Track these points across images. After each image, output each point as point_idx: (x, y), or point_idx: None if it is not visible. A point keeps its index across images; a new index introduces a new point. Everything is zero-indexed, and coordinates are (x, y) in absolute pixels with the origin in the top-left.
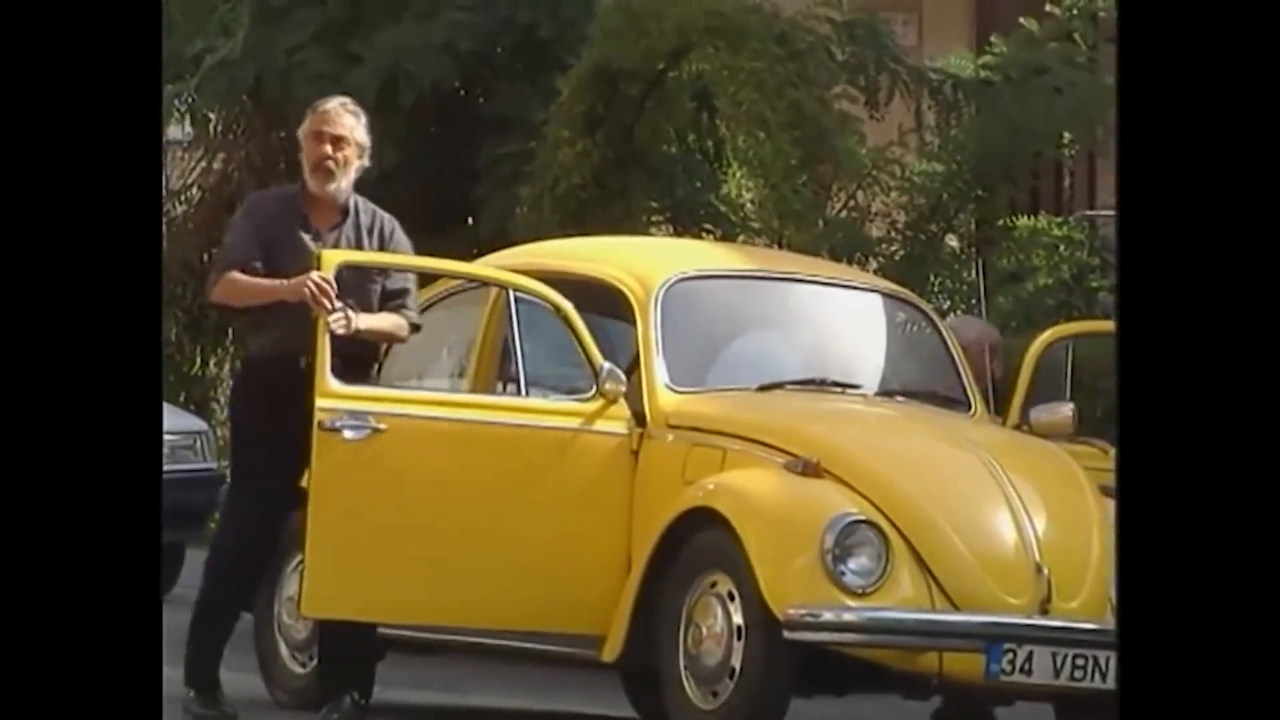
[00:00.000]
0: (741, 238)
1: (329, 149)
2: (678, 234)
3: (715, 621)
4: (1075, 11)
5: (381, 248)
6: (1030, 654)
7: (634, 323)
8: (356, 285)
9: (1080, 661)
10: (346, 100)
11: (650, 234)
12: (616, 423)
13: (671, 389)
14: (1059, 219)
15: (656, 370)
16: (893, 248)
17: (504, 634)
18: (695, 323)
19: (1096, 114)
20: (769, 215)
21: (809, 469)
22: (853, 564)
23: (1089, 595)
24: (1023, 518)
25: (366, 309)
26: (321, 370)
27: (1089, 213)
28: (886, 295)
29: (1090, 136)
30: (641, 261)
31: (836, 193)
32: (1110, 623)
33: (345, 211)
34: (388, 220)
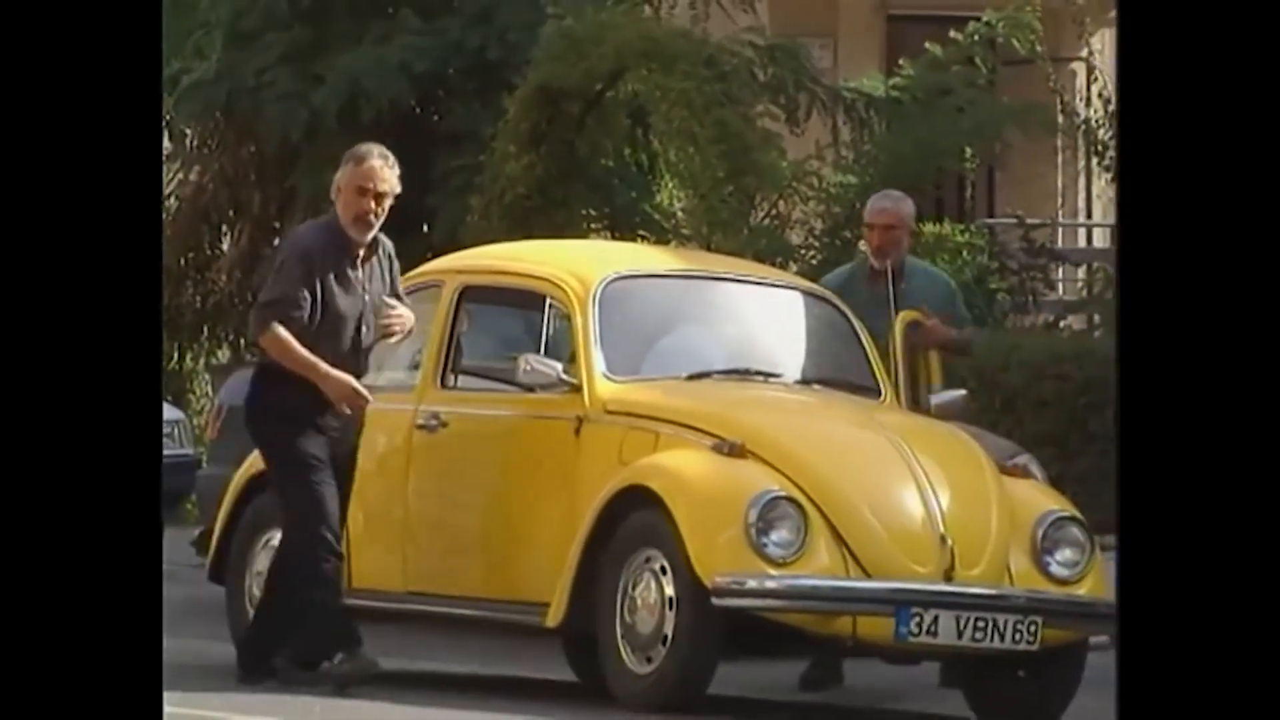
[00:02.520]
0: (673, 243)
1: (372, 204)
2: (615, 240)
3: (649, 592)
4: (976, 38)
5: (390, 269)
6: (936, 617)
7: (574, 318)
8: (380, 306)
9: (981, 624)
10: (386, 153)
11: (590, 239)
12: (561, 409)
13: (609, 378)
14: (961, 226)
15: (595, 361)
16: (810, 253)
17: (456, 602)
18: (630, 317)
19: (994, 131)
20: (698, 223)
21: (734, 450)
22: (774, 536)
23: (988, 564)
24: (928, 494)
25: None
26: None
27: (988, 220)
28: (805, 293)
29: (989, 151)
30: (581, 262)
31: (759, 202)
32: (1008, 589)
33: (374, 246)
34: (388, 243)
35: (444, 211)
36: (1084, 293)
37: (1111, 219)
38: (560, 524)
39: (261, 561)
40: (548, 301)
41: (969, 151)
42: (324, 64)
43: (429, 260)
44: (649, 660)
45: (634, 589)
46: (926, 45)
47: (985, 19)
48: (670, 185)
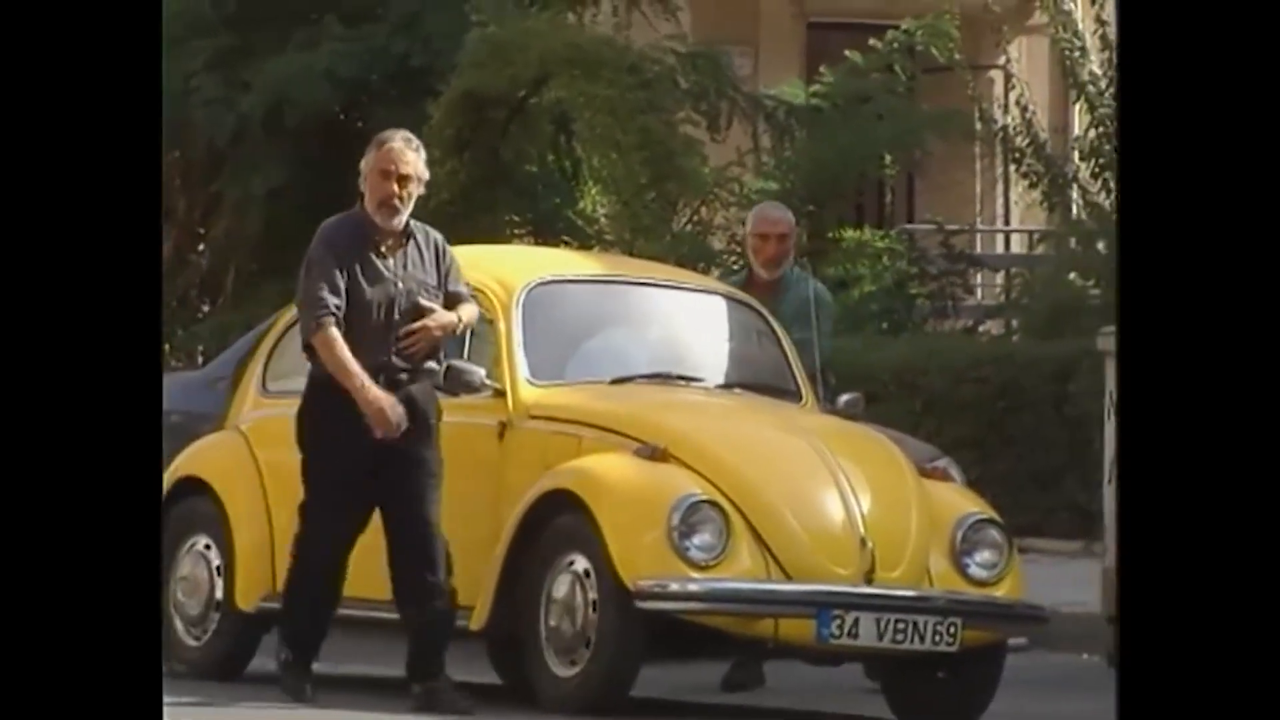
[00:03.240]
0: (596, 249)
1: (395, 187)
2: (539, 245)
3: (573, 595)
4: (895, 45)
5: (437, 261)
6: (857, 619)
7: (498, 322)
8: (420, 295)
9: (901, 626)
10: (410, 136)
11: (514, 245)
12: (486, 414)
13: (532, 383)
14: (881, 232)
15: (519, 365)
16: (732, 258)
17: (382, 606)
18: (554, 322)
19: (914, 138)
20: (622, 228)
21: (657, 454)
22: (697, 540)
23: (908, 566)
24: (849, 496)
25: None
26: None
27: (908, 226)
28: (727, 298)
29: (908, 158)
30: (505, 267)
31: (682, 208)
32: (928, 590)
33: (407, 234)
34: (436, 235)
35: None
36: (1002, 298)
37: (1029, 225)
38: (484, 528)
39: (185, 566)
40: None
41: (889, 158)
42: (250, 70)
43: None
44: (573, 663)
45: (557, 592)
46: (846, 53)
47: (904, 27)
48: (593, 191)
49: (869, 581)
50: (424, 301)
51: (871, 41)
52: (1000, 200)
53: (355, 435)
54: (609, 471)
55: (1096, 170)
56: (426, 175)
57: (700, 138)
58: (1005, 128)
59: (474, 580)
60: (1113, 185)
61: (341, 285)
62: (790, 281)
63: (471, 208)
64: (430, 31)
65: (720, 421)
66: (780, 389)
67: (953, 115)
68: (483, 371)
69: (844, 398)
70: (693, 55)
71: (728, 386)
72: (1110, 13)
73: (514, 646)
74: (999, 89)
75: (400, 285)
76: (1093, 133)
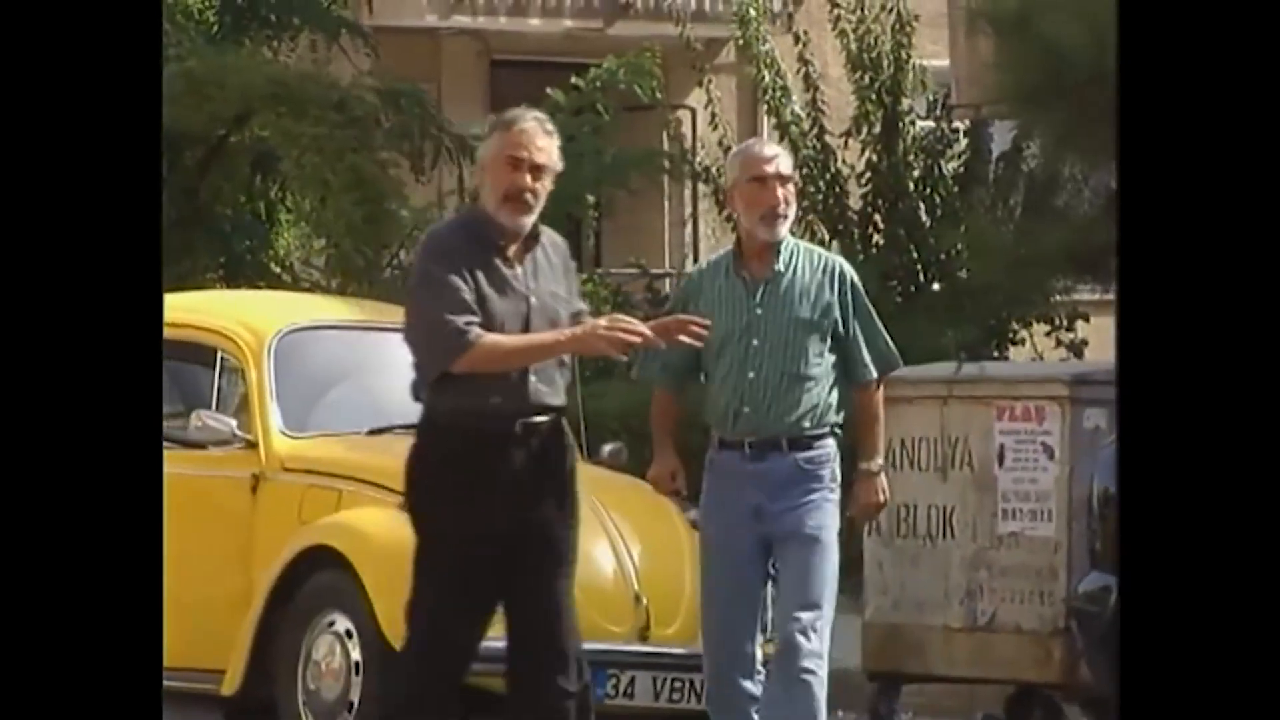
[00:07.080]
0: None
1: (528, 179)
2: (232, 289)
3: (333, 657)
4: (598, 84)
5: (565, 267)
6: (633, 679)
7: (248, 371)
8: (556, 310)
9: (678, 684)
10: (543, 117)
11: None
12: (236, 467)
13: (286, 434)
14: (584, 276)
15: (271, 416)
16: None
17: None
18: (307, 371)
19: (618, 179)
20: (331, 273)
21: None
22: None
23: (683, 622)
24: (622, 551)
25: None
26: None
27: (613, 271)
28: None
29: (610, 199)
30: (254, 313)
31: (382, 251)
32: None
33: (535, 236)
34: (559, 237)
35: None
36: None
37: None
38: (236, 586)
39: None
40: (219, 354)
41: (591, 199)
42: None
43: None
44: None
45: (317, 653)
46: (549, 90)
47: (606, 65)
48: (288, 235)
49: (644, 639)
50: (563, 314)
51: (574, 80)
52: (689, 241)
53: (490, 496)
54: (371, 527)
55: (800, 212)
56: (561, 166)
57: (403, 179)
58: (707, 168)
59: (224, 643)
60: (817, 228)
61: (472, 299)
62: (792, 250)
63: (168, 253)
64: None
65: None
66: None
67: (656, 155)
68: (234, 422)
69: (607, 447)
70: (396, 93)
71: None
72: (813, 51)
73: (267, 712)
74: (689, 128)
75: (534, 300)
76: (796, 174)
